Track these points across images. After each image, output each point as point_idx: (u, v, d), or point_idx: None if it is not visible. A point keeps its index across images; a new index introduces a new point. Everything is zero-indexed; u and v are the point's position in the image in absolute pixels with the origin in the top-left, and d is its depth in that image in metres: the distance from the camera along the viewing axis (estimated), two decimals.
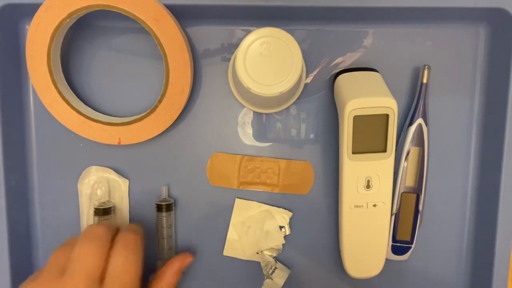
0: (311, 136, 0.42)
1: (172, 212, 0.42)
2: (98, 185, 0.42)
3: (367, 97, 0.36)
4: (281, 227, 0.43)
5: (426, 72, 0.39)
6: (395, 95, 0.36)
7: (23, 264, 0.43)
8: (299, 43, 0.35)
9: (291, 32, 0.35)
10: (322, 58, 0.41)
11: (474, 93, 0.42)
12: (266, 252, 0.43)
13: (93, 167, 0.42)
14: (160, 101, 0.39)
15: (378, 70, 0.40)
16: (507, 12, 0.37)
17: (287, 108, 0.42)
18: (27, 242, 0.43)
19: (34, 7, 0.37)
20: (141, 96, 0.42)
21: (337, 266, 0.43)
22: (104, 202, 0.42)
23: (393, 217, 0.40)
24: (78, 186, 0.42)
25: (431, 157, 0.41)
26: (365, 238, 0.39)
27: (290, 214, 0.43)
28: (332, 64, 0.41)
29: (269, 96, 0.35)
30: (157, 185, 0.43)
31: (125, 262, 0.32)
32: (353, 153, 0.37)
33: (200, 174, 0.42)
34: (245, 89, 0.35)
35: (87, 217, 0.43)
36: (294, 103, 0.41)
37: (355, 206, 0.39)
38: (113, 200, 0.43)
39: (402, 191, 0.40)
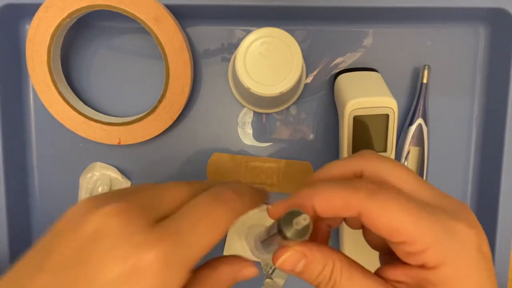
0: (311, 136, 0.42)
1: None
2: (100, 182, 0.42)
3: (367, 97, 0.36)
4: None
5: (426, 72, 0.39)
6: (395, 95, 0.36)
7: None
8: (299, 43, 0.35)
9: (291, 32, 0.35)
10: (322, 58, 0.41)
11: (474, 93, 0.42)
12: None
13: (98, 163, 0.42)
14: (160, 101, 0.39)
15: (378, 70, 0.40)
16: (507, 12, 0.37)
17: (287, 108, 0.42)
18: (28, 242, 0.43)
19: (34, 7, 0.37)
20: (141, 96, 0.42)
21: None
22: None
23: None
24: (80, 179, 0.42)
25: (431, 157, 0.41)
26: None
27: None
28: (332, 64, 0.41)
29: (269, 96, 0.35)
30: None
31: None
32: (353, 153, 0.37)
33: (200, 174, 0.42)
34: (245, 89, 0.35)
35: None
36: (294, 103, 0.41)
37: None
38: None
39: None
